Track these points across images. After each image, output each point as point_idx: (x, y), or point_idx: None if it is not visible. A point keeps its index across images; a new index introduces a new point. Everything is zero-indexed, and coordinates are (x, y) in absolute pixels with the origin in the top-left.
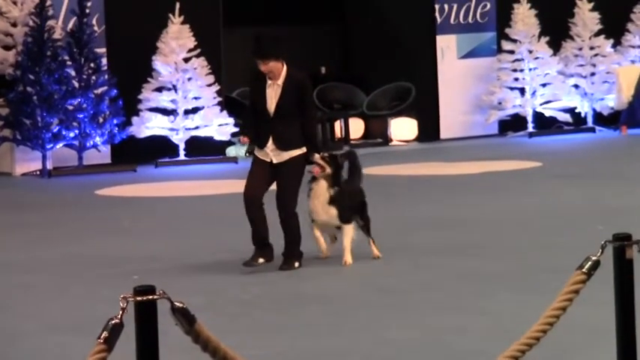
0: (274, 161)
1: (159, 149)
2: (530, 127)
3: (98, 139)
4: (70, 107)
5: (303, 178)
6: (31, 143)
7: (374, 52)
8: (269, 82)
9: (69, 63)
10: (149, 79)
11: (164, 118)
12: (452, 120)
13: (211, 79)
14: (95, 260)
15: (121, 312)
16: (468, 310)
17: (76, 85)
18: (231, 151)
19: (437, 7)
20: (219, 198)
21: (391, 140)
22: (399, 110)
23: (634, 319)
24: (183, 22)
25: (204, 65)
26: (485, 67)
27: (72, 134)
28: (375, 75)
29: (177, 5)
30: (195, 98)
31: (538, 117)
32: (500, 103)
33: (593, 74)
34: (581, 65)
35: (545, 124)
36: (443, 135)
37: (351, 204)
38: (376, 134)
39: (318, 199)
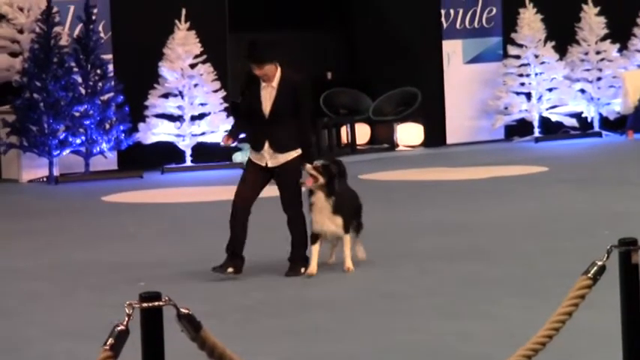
0: (269, 165)
1: (165, 155)
2: (537, 132)
3: (105, 146)
4: (77, 114)
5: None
6: (37, 150)
7: (380, 57)
8: (263, 84)
9: (75, 69)
10: (155, 85)
11: (170, 124)
12: (458, 125)
13: (217, 85)
14: (101, 266)
15: (126, 318)
16: (474, 315)
17: (83, 91)
18: (237, 157)
19: (443, 12)
20: (226, 204)
21: (397, 145)
22: (405, 115)
23: None
24: (189, 29)
25: (211, 71)
26: (491, 72)
27: (78, 141)
28: (381, 80)
29: (184, 11)
30: (202, 104)
31: (544, 122)
32: (506, 108)
33: (599, 79)
34: (588, 70)
35: (551, 129)
36: (449, 140)
37: (350, 210)
38: (382, 139)
39: (321, 213)
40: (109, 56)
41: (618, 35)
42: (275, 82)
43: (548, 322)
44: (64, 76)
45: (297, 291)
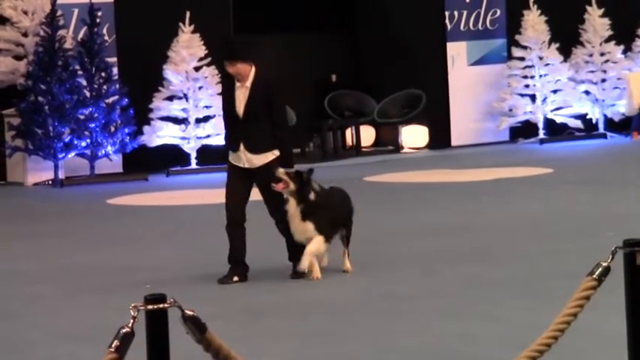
0: (246, 165)
1: (170, 158)
2: (541, 134)
3: (110, 149)
4: (82, 117)
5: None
6: (42, 153)
7: (385, 59)
8: (237, 84)
9: (80, 72)
10: (160, 88)
11: (175, 126)
12: (463, 127)
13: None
14: (106, 269)
15: (132, 321)
16: (477, 316)
17: (88, 94)
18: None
19: (447, 14)
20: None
21: (402, 147)
22: (409, 117)
23: None
24: (193, 31)
25: (215, 74)
26: (495, 73)
27: (83, 143)
28: (385, 82)
29: (188, 14)
30: (206, 107)
31: (549, 123)
32: (511, 110)
33: (603, 80)
34: (592, 71)
35: (556, 131)
36: (454, 142)
37: (334, 216)
38: (387, 142)
39: (294, 220)
40: (114, 59)
41: (622, 37)
42: (249, 83)
43: (553, 323)
44: (69, 79)
45: (300, 293)
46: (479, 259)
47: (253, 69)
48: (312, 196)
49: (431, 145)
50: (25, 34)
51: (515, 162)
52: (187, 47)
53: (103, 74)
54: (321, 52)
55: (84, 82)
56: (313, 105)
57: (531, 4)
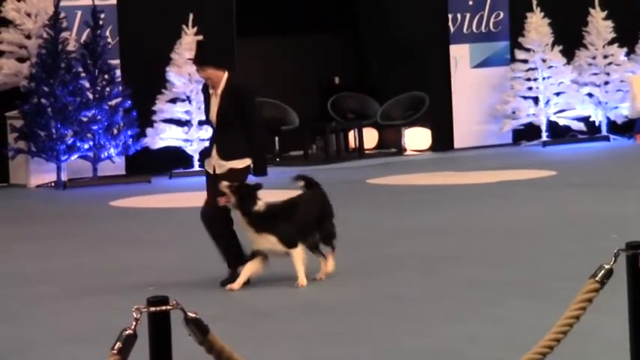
0: (217, 171)
1: (173, 160)
2: (544, 136)
3: (112, 151)
4: (85, 119)
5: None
6: (45, 155)
7: (387, 61)
8: (211, 90)
9: (83, 75)
10: (163, 90)
11: (178, 129)
12: (466, 129)
13: None
14: (109, 271)
15: (134, 322)
16: (481, 318)
17: (90, 96)
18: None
19: (450, 16)
20: None
21: (405, 150)
22: (412, 120)
23: None
24: (196, 33)
25: None
26: (498, 76)
27: (86, 146)
28: (388, 85)
29: (191, 16)
30: None
31: (552, 126)
32: (514, 113)
33: (606, 83)
34: (595, 74)
35: (559, 133)
36: (457, 144)
37: (301, 222)
38: (390, 144)
39: (246, 232)
40: (117, 61)
41: (625, 39)
42: (220, 89)
43: (556, 325)
44: (72, 82)
45: (303, 295)
46: (482, 261)
47: (226, 75)
48: (259, 207)
49: (434, 148)
50: (28, 37)
51: (519, 164)
52: (190, 49)
53: (105, 76)
54: (324, 54)
55: (87, 85)
56: (316, 107)
57: (534, 6)
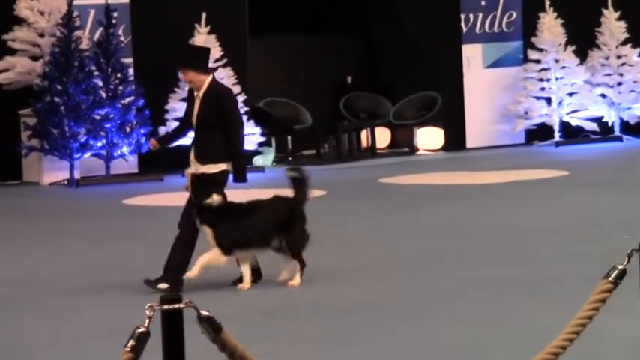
0: (193, 172)
1: (186, 159)
2: (557, 137)
3: (125, 149)
4: (98, 117)
5: (215, 194)
6: (58, 153)
7: (400, 61)
8: (195, 93)
9: (96, 73)
10: (176, 88)
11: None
12: (478, 129)
13: (238, 88)
14: (122, 269)
15: (147, 320)
16: (491, 319)
17: (104, 95)
18: (257, 161)
19: (462, 16)
20: None
21: (417, 150)
22: (425, 120)
23: None
24: (209, 32)
25: (231, 75)
26: (511, 76)
27: (99, 144)
28: (401, 84)
29: (204, 15)
30: None
31: (565, 126)
32: (526, 113)
33: (619, 83)
34: (608, 74)
35: (571, 134)
36: (469, 144)
37: (255, 227)
38: (402, 144)
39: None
40: (130, 60)
41: (639, 40)
42: (201, 92)
43: (569, 325)
44: (85, 80)
45: (313, 295)
46: (494, 262)
47: (209, 78)
48: (211, 201)
49: (446, 148)
50: (41, 35)
51: (531, 164)
52: None
53: (119, 75)
54: (336, 54)
55: (100, 83)
56: (329, 107)
57: (547, 6)
